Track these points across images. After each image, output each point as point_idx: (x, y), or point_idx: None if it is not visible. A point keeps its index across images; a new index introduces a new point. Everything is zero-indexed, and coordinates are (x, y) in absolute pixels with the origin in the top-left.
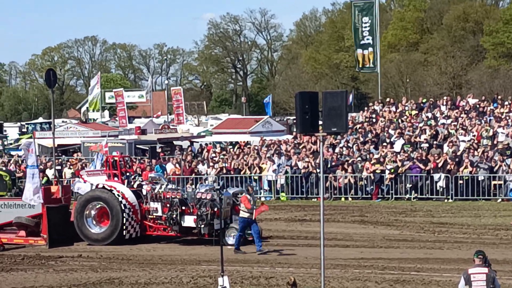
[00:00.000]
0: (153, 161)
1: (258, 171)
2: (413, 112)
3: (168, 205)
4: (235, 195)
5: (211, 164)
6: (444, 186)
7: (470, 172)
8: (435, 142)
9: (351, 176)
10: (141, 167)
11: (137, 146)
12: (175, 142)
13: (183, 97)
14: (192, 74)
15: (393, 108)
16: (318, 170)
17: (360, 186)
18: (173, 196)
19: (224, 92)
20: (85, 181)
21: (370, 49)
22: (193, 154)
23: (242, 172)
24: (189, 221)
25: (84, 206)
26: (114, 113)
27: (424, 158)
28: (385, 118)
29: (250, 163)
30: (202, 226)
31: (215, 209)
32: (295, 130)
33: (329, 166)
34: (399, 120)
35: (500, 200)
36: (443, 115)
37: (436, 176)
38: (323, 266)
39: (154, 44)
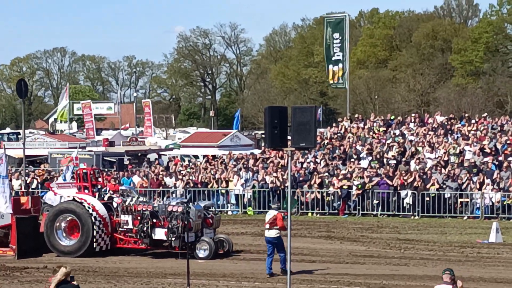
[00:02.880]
0: (121, 173)
1: (225, 185)
2: (381, 129)
3: (139, 218)
4: (206, 208)
5: (179, 177)
6: (411, 203)
7: (437, 189)
8: (402, 159)
9: (318, 192)
10: (108, 179)
11: (105, 158)
12: (150, 155)
13: (152, 110)
14: (161, 87)
15: (361, 124)
16: (286, 185)
17: (327, 201)
18: (144, 209)
19: (193, 106)
20: (55, 193)
21: (340, 65)
22: (162, 167)
23: (209, 186)
24: (160, 233)
25: (54, 218)
26: (82, 125)
27: (391, 174)
28: (353, 134)
29: (217, 177)
30: (173, 239)
31: (186, 222)
32: (263, 144)
33: (297, 181)
34: (367, 136)
35: (466, 217)
36: (411, 132)
37: (403, 193)
38: (289, 281)
39: (124, 56)
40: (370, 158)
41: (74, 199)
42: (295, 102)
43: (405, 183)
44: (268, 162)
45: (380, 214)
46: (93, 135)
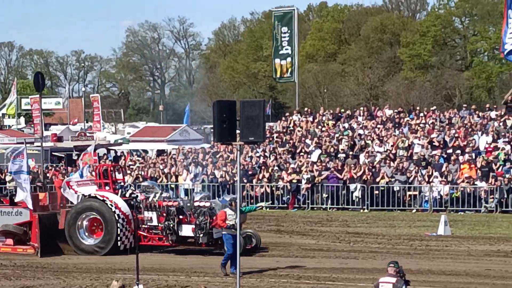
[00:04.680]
0: (69, 168)
1: (174, 180)
2: (330, 123)
3: (164, 214)
4: (231, 202)
5: (128, 172)
6: (360, 196)
7: (386, 183)
8: (351, 153)
9: (268, 186)
10: (56, 174)
11: (53, 153)
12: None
13: (100, 104)
14: (109, 81)
15: (311, 118)
16: (235, 179)
17: (277, 195)
18: (169, 205)
19: (142, 100)
20: (76, 192)
21: (289, 59)
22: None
23: (158, 181)
24: (186, 230)
25: (76, 217)
26: (30, 120)
27: (340, 168)
28: (302, 128)
29: (166, 172)
30: (201, 235)
31: (214, 218)
32: (212, 138)
33: (246, 175)
34: (316, 130)
35: (415, 210)
36: (360, 126)
37: (352, 186)
38: (238, 275)
39: (72, 51)
40: (319, 151)
41: (96, 197)
42: (244, 96)
43: (354, 177)
44: (217, 156)
45: (330, 208)
46: (40, 130)
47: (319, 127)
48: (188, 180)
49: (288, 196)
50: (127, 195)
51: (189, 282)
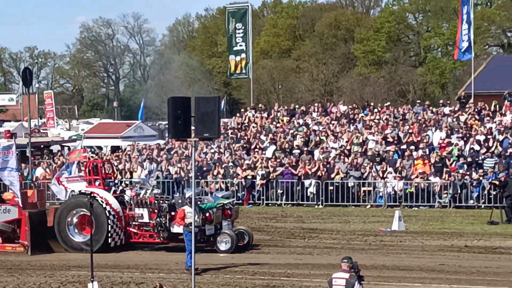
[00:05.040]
0: (23, 165)
1: (129, 176)
2: (285, 119)
3: (156, 211)
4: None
5: (82, 168)
6: (315, 192)
7: (341, 179)
8: (306, 149)
9: (222, 182)
10: None
11: None
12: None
13: (54, 101)
14: (63, 77)
15: (265, 114)
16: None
17: (232, 191)
18: (161, 202)
19: (96, 96)
20: (66, 188)
21: (243, 55)
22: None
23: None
24: (178, 227)
25: (66, 214)
26: None
27: (295, 164)
28: (257, 124)
29: (121, 168)
30: None
31: (207, 215)
32: (167, 135)
33: (201, 171)
34: (271, 126)
35: (369, 206)
36: (315, 122)
37: (307, 182)
38: (193, 271)
39: (25, 47)
40: (274, 148)
41: (86, 193)
42: (199, 93)
43: (309, 173)
44: (172, 152)
45: (284, 204)
46: None
47: (274, 123)
48: (142, 176)
49: (243, 192)
50: (118, 191)
51: (144, 279)
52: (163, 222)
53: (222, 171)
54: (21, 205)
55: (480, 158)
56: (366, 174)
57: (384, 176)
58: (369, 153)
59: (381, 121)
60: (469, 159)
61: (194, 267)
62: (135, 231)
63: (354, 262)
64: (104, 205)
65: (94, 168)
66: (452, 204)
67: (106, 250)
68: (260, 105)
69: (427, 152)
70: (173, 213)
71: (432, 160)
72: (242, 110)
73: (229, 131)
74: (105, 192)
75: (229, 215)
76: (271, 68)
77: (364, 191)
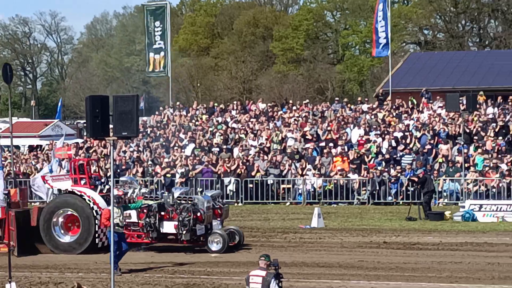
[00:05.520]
0: None
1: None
2: (204, 117)
3: (145, 211)
4: (213, 198)
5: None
6: (234, 190)
7: (260, 176)
8: (225, 147)
9: (142, 180)
10: None
11: None
12: None
13: None
14: None
15: (184, 112)
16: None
17: (151, 190)
18: (150, 201)
19: (13, 95)
20: (51, 187)
21: (162, 53)
22: None
23: (31, 176)
24: (168, 227)
25: (51, 214)
26: None
27: (214, 162)
28: (176, 122)
29: (39, 167)
30: (184, 232)
31: (198, 214)
32: (85, 134)
33: (120, 169)
34: (190, 124)
35: (288, 203)
36: (234, 120)
37: (226, 180)
38: (112, 271)
39: None
40: (193, 146)
41: (73, 192)
42: (118, 91)
43: (229, 171)
44: (90, 151)
45: None
46: None
47: (193, 121)
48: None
49: (162, 191)
50: (105, 190)
51: (62, 278)
52: (153, 222)
53: (141, 170)
54: (4, 205)
55: (398, 155)
56: (285, 171)
57: (303, 173)
58: (288, 150)
59: (300, 118)
60: (387, 156)
61: (113, 266)
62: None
63: (275, 259)
64: (91, 204)
65: (80, 167)
66: (371, 201)
67: (93, 251)
68: (178, 103)
69: (346, 149)
70: (162, 213)
71: (351, 157)
72: (161, 108)
73: (148, 130)
74: (91, 191)
75: (219, 215)
76: (190, 66)
77: (284, 188)
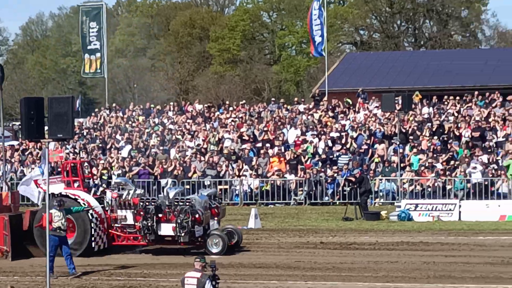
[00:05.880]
0: None
1: None
2: (141, 118)
3: (141, 213)
4: (209, 197)
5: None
6: None
7: (197, 177)
8: (162, 148)
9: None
10: None
11: None
12: None
13: None
14: None
15: (121, 114)
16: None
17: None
18: (147, 203)
19: None
20: (44, 190)
21: (98, 54)
22: None
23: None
24: (166, 229)
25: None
26: None
27: (151, 163)
28: (112, 123)
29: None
30: (183, 234)
31: (196, 216)
32: (20, 136)
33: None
34: (127, 126)
35: (226, 204)
36: (171, 121)
37: (163, 181)
38: (48, 275)
39: None
40: (130, 147)
41: (67, 195)
42: (54, 92)
43: (166, 172)
44: (26, 153)
45: None
46: None
47: (130, 122)
48: None
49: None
50: (98, 193)
51: None
52: (150, 224)
53: None
54: None
55: (334, 155)
56: (222, 172)
57: (240, 174)
58: (225, 151)
59: (236, 119)
60: (323, 156)
61: (48, 270)
62: (118, 233)
63: (212, 261)
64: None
65: (73, 169)
66: (308, 201)
67: (89, 254)
68: (115, 104)
69: (283, 150)
70: (160, 215)
71: (288, 158)
72: (97, 109)
73: (84, 131)
74: (86, 194)
75: (217, 214)
76: (126, 67)
77: (221, 189)
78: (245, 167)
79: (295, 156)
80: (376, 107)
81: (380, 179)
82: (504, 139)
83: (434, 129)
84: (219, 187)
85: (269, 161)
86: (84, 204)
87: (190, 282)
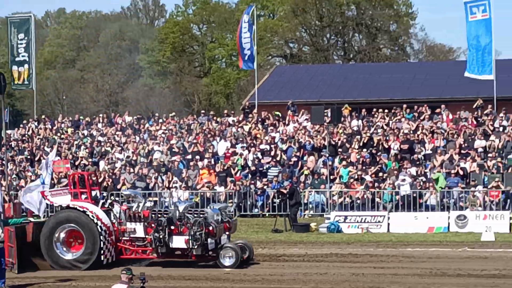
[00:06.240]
0: None
1: None
2: (70, 130)
3: (152, 225)
4: (221, 211)
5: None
6: None
7: (127, 189)
8: (91, 160)
9: (6, 194)
10: None
11: None
12: None
13: None
14: None
15: (49, 125)
16: None
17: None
18: (159, 215)
19: None
20: (51, 203)
21: (26, 66)
22: None
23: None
24: (178, 242)
25: (53, 229)
26: None
27: None
28: (40, 135)
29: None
30: (195, 246)
31: (210, 228)
32: None
33: None
34: (55, 137)
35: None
36: (100, 133)
37: (93, 193)
38: None
39: None
40: (58, 159)
41: (75, 208)
42: None
43: (95, 184)
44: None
45: None
46: None
47: (58, 134)
48: None
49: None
50: (106, 205)
51: None
52: (161, 236)
53: (5, 183)
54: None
55: (264, 167)
56: (151, 184)
57: (170, 186)
58: (155, 163)
59: (166, 131)
60: (253, 168)
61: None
62: (127, 246)
63: (141, 273)
64: (95, 220)
65: (80, 180)
66: (237, 213)
67: (97, 267)
68: (43, 116)
69: (212, 162)
70: (172, 227)
71: (217, 170)
72: (25, 121)
73: (13, 143)
74: (94, 206)
75: (228, 228)
76: (55, 78)
77: (151, 201)
78: (175, 179)
79: (225, 168)
80: (305, 119)
81: (310, 191)
82: (432, 151)
83: (363, 142)
84: (148, 199)
85: (198, 173)
86: (93, 217)
87: None
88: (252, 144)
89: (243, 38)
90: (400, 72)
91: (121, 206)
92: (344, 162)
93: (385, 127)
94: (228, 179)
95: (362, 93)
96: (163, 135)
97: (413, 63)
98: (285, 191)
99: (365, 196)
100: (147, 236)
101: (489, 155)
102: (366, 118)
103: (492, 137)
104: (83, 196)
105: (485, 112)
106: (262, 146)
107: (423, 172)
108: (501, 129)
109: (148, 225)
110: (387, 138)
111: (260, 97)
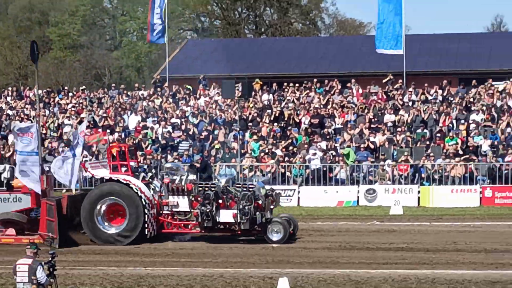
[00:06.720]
0: None
1: None
2: None
3: (198, 199)
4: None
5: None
6: (9, 177)
7: None
8: (0, 133)
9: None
10: None
11: None
12: None
13: None
14: None
15: None
16: None
17: None
18: (206, 189)
19: None
20: (92, 175)
21: None
22: None
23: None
24: (226, 216)
25: (94, 203)
26: None
27: None
28: None
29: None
30: (244, 221)
31: (259, 202)
32: None
33: None
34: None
35: (65, 190)
36: (9, 106)
37: (1, 167)
38: None
39: None
40: None
41: (118, 180)
42: None
43: (3, 158)
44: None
45: None
46: None
47: None
48: None
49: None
50: (147, 178)
51: None
52: (209, 210)
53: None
54: (40, 193)
55: (175, 141)
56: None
57: (81, 160)
58: (65, 137)
59: (77, 105)
60: (163, 142)
61: None
62: (169, 221)
63: (53, 250)
64: (139, 193)
65: (121, 153)
66: None
67: (140, 242)
68: None
69: (123, 136)
70: (220, 201)
71: (128, 144)
72: None
73: None
74: (136, 179)
75: (272, 202)
76: None
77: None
78: (85, 153)
79: (136, 142)
80: (217, 93)
81: (221, 165)
82: (342, 126)
83: (274, 116)
84: None
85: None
86: (137, 190)
87: (21, 269)
88: (163, 118)
89: (155, 13)
90: (311, 47)
91: (163, 179)
92: (255, 136)
93: (295, 101)
94: (139, 152)
95: (273, 67)
96: (73, 109)
97: (324, 37)
98: (198, 165)
99: (275, 170)
100: (193, 210)
101: (398, 129)
102: (277, 92)
103: (402, 112)
104: (123, 169)
105: (395, 86)
106: (173, 120)
107: (333, 146)
108: (410, 103)
109: (195, 198)
110: (298, 112)
111: (171, 71)
